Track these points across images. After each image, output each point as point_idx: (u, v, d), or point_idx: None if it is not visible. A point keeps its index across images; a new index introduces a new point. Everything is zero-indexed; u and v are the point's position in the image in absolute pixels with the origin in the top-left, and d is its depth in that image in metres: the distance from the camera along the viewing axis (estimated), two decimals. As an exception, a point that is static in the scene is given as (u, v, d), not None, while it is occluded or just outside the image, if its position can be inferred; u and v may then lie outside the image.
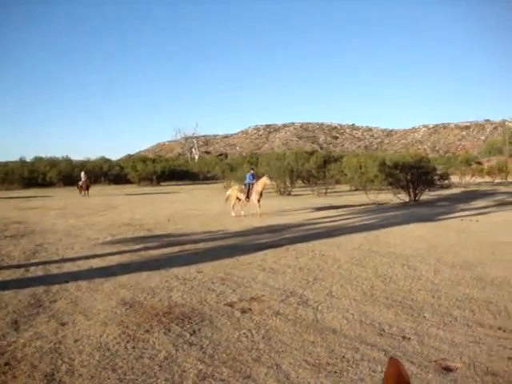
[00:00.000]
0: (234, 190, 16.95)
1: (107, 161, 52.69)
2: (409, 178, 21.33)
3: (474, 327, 4.99)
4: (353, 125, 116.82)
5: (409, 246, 9.82)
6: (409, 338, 4.68)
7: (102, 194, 28.69)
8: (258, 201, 16.21)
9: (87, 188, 29.74)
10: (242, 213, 16.19)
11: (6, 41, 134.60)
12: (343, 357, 4.26)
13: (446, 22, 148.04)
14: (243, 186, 17.16)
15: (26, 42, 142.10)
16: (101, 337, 4.83)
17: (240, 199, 16.62)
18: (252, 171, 17.83)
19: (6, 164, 48.96)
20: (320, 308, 5.73)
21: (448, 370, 4.00)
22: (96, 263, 8.53)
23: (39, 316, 5.56)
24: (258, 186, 16.18)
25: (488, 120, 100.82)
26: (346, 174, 26.17)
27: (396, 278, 7.17)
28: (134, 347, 4.54)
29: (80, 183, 30.46)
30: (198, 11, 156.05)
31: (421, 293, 6.36)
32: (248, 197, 16.41)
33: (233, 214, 16.00)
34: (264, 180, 16.34)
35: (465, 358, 4.20)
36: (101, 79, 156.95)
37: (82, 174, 31.23)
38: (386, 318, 5.34)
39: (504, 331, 4.86)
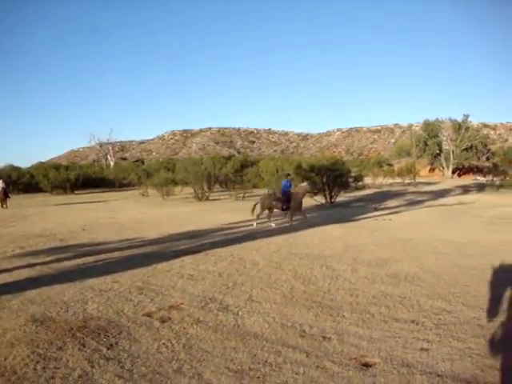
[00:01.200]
0: (267, 199, 14.88)
1: (16, 168, 50.01)
2: (324, 180, 21.88)
3: (390, 322, 5.15)
4: (269, 129, 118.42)
5: (327, 247, 10.02)
6: (329, 338, 4.73)
7: (11, 204, 27.05)
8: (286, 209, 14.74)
9: (5, 198, 26.34)
10: (273, 225, 14.19)
11: None
12: (266, 361, 4.23)
13: (362, 24, 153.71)
14: (274, 193, 15.43)
15: None
16: (6, 360, 4.45)
17: (272, 208, 14.86)
18: (289, 177, 16.30)
19: None
20: (241, 313, 5.68)
21: (367, 365, 4.09)
22: (2, 279, 7.96)
23: None
24: (299, 195, 14.72)
25: (397, 124, 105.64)
26: (263, 178, 26.45)
27: (315, 279, 7.27)
28: (44, 367, 4.24)
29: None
30: (125, 10, 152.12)
31: (339, 292, 6.49)
32: (286, 207, 14.69)
33: (254, 225, 14.08)
34: (304, 186, 15.22)
35: (382, 353, 4.32)
36: (8, 80, 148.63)
37: (0, 181, 27.35)
38: (306, 319, 5.37)
39: (417, 324, 5.10)
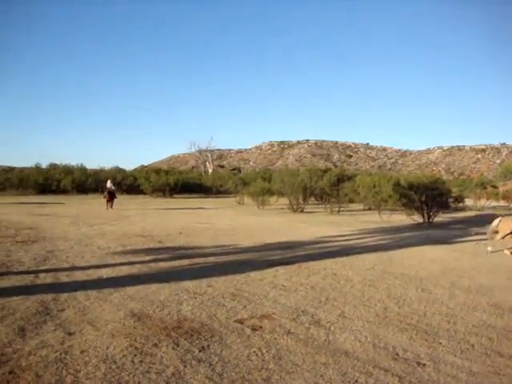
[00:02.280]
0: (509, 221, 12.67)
1: (121, 171, 52.75)
2: (423, 199, 21.12)
3: (493, 356, 4.81)
4: (367, 144, 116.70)
5: (423, 268, 9.64)
6: (424, 364, 4.52)
7: (115, 203, 28.55)
8: None
9: (111, 199, 25.68)
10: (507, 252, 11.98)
11: (21, 48, 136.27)
12: (356, 381, 4.12)
13: (464, 44, 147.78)
14: None
15: (43, 51, 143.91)
16: (107, 349, 4.73)
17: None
18: None
19: (21, 170, 49.42)
20: (332, 328, 5.59)
21: (466, 400, 3.85)
22: (106, 273, 8.45)
23: (46, 324, 5.48)
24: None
25: (504, 143, 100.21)
26: (359, 193, 26.02)
27: (410, 301, 7.01)
28: (141, 361, 4.43)
29: (106, 193, 26.27)
30: (215, 23, 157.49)
31: (436, 317, 6.20)
32: None
33: (489, 249, 12.35)
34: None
35: (483, 389, 4.05)
36: (118, 91, 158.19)
37: (108, 182, 27.10)
38: (399, 341, 5.19)
39: (524, 362, 4.70)
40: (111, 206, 25.54)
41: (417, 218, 21.09)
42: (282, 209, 27.41)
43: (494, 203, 37.00)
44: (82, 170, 48.59)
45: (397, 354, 4.79)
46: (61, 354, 4.57)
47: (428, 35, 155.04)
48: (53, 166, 49.75)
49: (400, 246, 12.95)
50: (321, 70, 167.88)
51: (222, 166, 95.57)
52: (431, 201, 21.21)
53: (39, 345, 4.80)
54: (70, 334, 5.16)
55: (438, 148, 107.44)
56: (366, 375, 4.25)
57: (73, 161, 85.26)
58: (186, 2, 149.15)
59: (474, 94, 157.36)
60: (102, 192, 28.91)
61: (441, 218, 22.51)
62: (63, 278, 8.01)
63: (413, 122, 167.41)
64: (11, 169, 54.85)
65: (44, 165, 50.99)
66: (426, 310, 6.55)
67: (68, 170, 46.45)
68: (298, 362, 4.53)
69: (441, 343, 5.16)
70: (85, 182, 43.97)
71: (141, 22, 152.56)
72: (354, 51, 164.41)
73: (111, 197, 25.80)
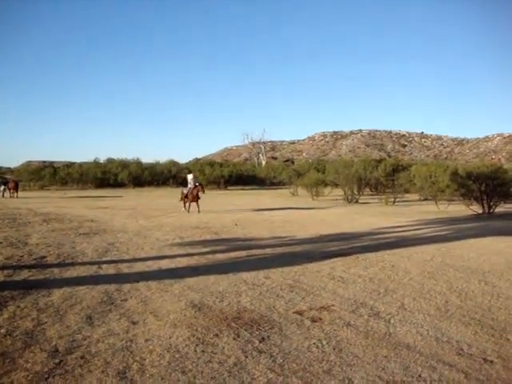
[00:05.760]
0: None
1: (176, 164, 53.71)
2: (483, 189, 20.47)
3: None
4: (422, 133, 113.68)
5: (485, 261, 9.34)
6: (491, 361, 4.38)
7: (170, 195, 29.10)
8: None
9: (197, 199, 19.75)
10: None
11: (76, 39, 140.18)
12: (419, 376, 4.05)
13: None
14: None
15: (97, 37, 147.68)
16: (170, 338, 4.85)
17: None
18: None
19: (81, 165, 51.16)
20: (392, 321, 5.51)
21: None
22: (165, 264, 8.65)
23: (111, 313, 5.67)
24: None
25: None
26: (415, 184, 25.48)
27: (473, 295, 6.81)
28: (203, 351, 4.52)
29: (185, 191, 20.28)
30: (268, 17, 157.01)
31: (502, 312, 5.99)
32: None
33: None
34: None
35: (556, 387, 3.89)
36: (170, 84, 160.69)
37: (190, 177, 21.11)
38: (463, 336, 5.05)
39: None
40: (198, 207, 19.70)
41: (476, 209, 20.48)
42: (337, 200, 27.21)
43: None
44: (138, 163, 49.81)
45: (461, 349, 4.66)
46: (126, 342, 4.72)
47: (485, 20, 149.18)
48: (110, 161, 51.25)
49: (459, 238, 12.59)
50: (373, 59, 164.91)
51: (275, 158, 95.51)
52: (491, 191, 20.53)
53: (106, 333, 4.97)
54: (133, 323, 5.32)
55: (498, 135, 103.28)
56: (430, 370, 4.16)
57: (129, 155, 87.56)
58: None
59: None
60: (184, 185, 22.40)
61: (502, 208, 21.75)
62: (125, 269, 8.26)
63: (469, 109, 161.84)
64: (72, 164, 56.88)
65: (102, 160, 52.61)
66: (490, 304, 6.34)
67: (124, 164, 47.77)
68: (358, 354, 4.50)
69: (509, 340, 4.97)
70: (141, 176, 45.06)
71: (189, 12, 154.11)
72: (405, 40, 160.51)
73: (197, 196, 19.82)
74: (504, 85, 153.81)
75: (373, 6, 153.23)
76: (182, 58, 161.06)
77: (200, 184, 20.48)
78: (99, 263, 8.64)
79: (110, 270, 8.17)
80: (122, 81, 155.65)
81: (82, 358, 4.33)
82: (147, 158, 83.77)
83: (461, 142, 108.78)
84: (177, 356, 4.39)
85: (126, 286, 6.93)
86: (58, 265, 8.48)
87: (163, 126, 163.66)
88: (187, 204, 20.09)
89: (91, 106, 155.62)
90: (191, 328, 5.15)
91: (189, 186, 20.24)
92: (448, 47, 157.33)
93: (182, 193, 20.71)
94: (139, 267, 8.40)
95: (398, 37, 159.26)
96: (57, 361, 4.26)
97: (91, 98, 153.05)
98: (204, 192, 20.23)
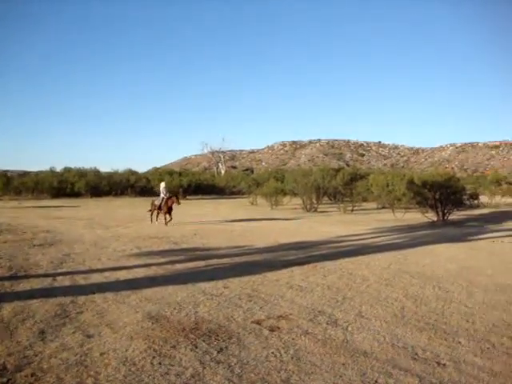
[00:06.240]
0: None
1: (134, 173, 53.00)
2: (437, 197, 21.00)
3: (515, 356, 4.76)
4: (379, 142, 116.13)
5: (439, 267, 9.57)
6: (444, 364, 4.49)
7: (128, 205, 28.70)
8: None
9: (170, 211, 18.08)
10: None
11: (32, 53, 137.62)
12: (376, 381, 4.10)
13: (475, 39, 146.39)
14: None
15: (50, 55, 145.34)
16: (127, 351, 4.75)
17: None
18: None
19: (36, 174, 49.89)
20: (350, 328, 5.58)
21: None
22: (122, 275, 8.50)
23: (65, 327, 5.52)
24: None
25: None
26: (372, 192, 25.90)
27: (427, 300, 6.97)
28: (160, 363, 4.45)
29: (157, 202, 18.63)
30: (224, 23, 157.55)
31: (454, 316, 6.15)
32: None
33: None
34: None
35: (505, 389, 4.00)
36: (128, 92, 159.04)
37: (162, 185, 19.55)
38: (418, 341, 5.15)
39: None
40: (170, 219, 18.11)
41: (431, 216, 20.99)
42: (296, 209, 27.38)
43: (509, 200, 36.65)
44: (96, 172, 48.88)
45: (416, 354, 4.75)
46: (81, 356, 4.60)
47: (438, 30, 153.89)
48: (67, 170, 50.14)
49: (415, 245, 12.89)
50: (331, 69, 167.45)
51: (235, 167, 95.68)
52: (445, 199, 21.09)
53: (59, 347, 4.83)
54: (89, 336, 5.20)
55: (451, 145, 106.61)
56: (386, 375, 4.23)
57: (86, 164, 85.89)
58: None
59: (487, 90, 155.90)
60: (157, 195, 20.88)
61: (455, 215, 22.36)
62: (81, 280, 8.07)
63: (425, 120, 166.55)
64: (26, 173, 55.43)
65: (58, 169, 51.45)
66: (444, 309, 6.51)
67: (82, 174, 46.76)
68: (316, 362, 4.52)
69: (460, 343, 5.12)
70: (99, 185, 44.26)
71: (146, 23, 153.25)
72: (365, 49, 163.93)
73: (170, 208, 18.19)
74: (456, 97, 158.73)
75: (327, 17, 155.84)
76: (139, 67, 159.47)
77: (175, 195, 19.15)
78: (54, 275, 8.40)
79: (65, 281, 7.96)
80: (78, 88, 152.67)
81: (32, 375, 4.17)
82: (105, 167, 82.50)
83: (417, 152, 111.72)
84: (133, 369, 4.30)
85: (82, 298, 6.77)
86: (10, 278, 8.19)
87: (122, 135, 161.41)
88: (160, 215, 18.54)
89: (47, 114, 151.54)
90: (148, 340, 5.07)
91: (161, 195, 18.70)
92: (403, 59, 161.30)
93: (154, 204, 18.90)
94: (96, 278, 8.22)
95: (356, 46, 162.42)
96: (5, 380, 4.09)
97: (47, 105, 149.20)
98: (179, 203, 18.66)
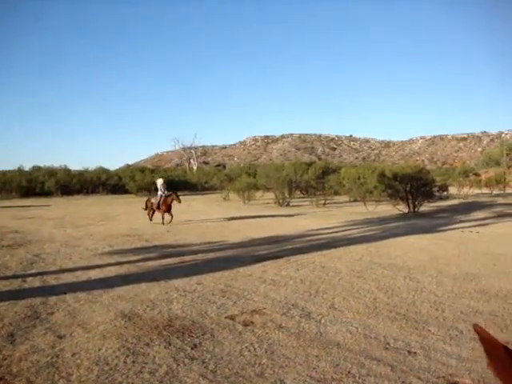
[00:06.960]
0: None
1: (105, 171, 52.36)
2: (408, 189, 21.29)
3: (481, 341, 4.87)
4: (350, 136, 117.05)
5: (410, 258, 9.73)
6: (415, 353, 4.58)
7: (100, 203, 28.37)
8: None
9: (169, 209, 16.97)
10: None
11: (4, 47, 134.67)
12: (349, 372, 4.16)
13: (445, 32, 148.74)
14: None
15: (25, 49, 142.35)
16: (99, 350, 4.71)
17: None
18: None
19: (4, 173, 48.84)
20: (323, 321, 5.63)
21: (457, 386, 3.91)
22: (94, 274, 8.41)
23: (36, 328, 5.44)
24: None
25: (485, 132, 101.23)
26: (344, 185, 26.10)
27: (398, 291, 7.08)
28: (133, 361, 4.43)
29: (155, 200, 17.44)
30: (195, 22, 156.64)
31: (424, 305, 6.27)
32: None
33: None
34: None
35: (473, 374, 4.09)
36: (98, 88, 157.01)
37: (160, 182, 18.42)
38: (390, 331, 5.24)
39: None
40: (170, 218, 17.06)
41: (402, 208, 21.26)
42: (268, 203, 27.42)
43: (477, 191, 37.40)
44: (66, 171, 48.13)
45: (388, 344, 4.83)
46: (52, 358, 4.55)
47: (409, 22, 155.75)
48: (36, 169, 49.31)
49: (387, 237, 13.05)
50: (302, 62, 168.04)
51: (207, 163, 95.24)
52: (416, 191, 21.40)
53: (29, 350, 4.76)
54: (60, 337, 5.13)
55: (421, 138, 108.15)
56: (359, 366, 4.29)
57: (56, 162, 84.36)
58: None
59: (455, 83, 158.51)
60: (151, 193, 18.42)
61: (426, 207, 22.70)
62: (51, 280, 7.96)
63: (395, 113, 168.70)
64: (-7, 172, 54.18)
65: (27, 167, 50.53)
66: (414, 298, 6.62)
67: (51, 172, 45.99)
68: (290, 355, 4.56)
69: (430, 331, 5.22)
70: (69, 184, 43.60)
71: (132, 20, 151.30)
72: (336, 42, 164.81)
73: (169, 206, 17.08)
74: (427, 89, 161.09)
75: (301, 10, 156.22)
76: (110, 62, 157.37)
77: (174, 192, 17.55)
78: (23, 276, 8.26)
79: (35, 282, 7.84)
80: (45, 84, 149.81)
81: (0, 379, 4.09)
82: (75, 165, 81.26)
83: (387, 145, 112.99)
84: (106, 369, 4.27)
85: (53, 299, 6.67)
86: (-23, 280, 8.04)
87: (92, 132, 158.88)
88: (158, 214, 17.19)
89: (15, 110, 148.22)
90: (121, 338, 5.04)
91: (159, 193, 17.46)
92: (375, 51, 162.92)
93: (150, 202, 17.67)
94: (67, 278, 8.11)
95: (328, 39, 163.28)
96: (-27, 385, 4.02)
97: (14, 101, 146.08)
98: (180, 201, 17.36)
